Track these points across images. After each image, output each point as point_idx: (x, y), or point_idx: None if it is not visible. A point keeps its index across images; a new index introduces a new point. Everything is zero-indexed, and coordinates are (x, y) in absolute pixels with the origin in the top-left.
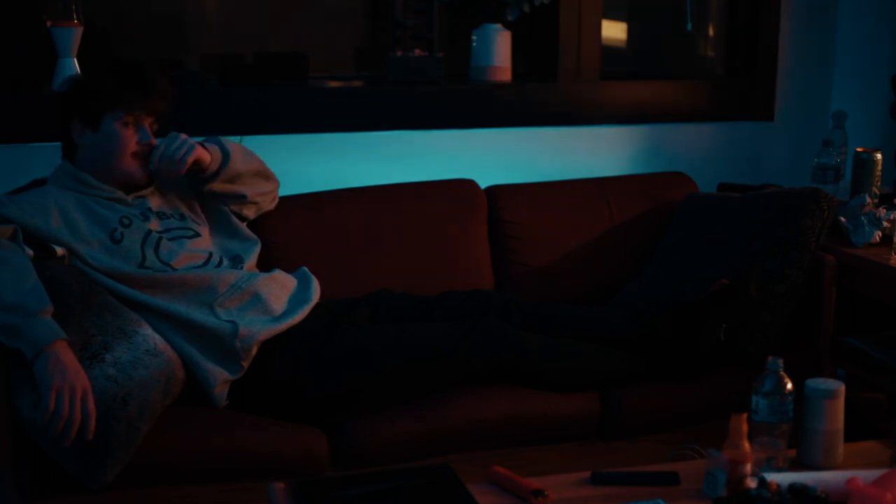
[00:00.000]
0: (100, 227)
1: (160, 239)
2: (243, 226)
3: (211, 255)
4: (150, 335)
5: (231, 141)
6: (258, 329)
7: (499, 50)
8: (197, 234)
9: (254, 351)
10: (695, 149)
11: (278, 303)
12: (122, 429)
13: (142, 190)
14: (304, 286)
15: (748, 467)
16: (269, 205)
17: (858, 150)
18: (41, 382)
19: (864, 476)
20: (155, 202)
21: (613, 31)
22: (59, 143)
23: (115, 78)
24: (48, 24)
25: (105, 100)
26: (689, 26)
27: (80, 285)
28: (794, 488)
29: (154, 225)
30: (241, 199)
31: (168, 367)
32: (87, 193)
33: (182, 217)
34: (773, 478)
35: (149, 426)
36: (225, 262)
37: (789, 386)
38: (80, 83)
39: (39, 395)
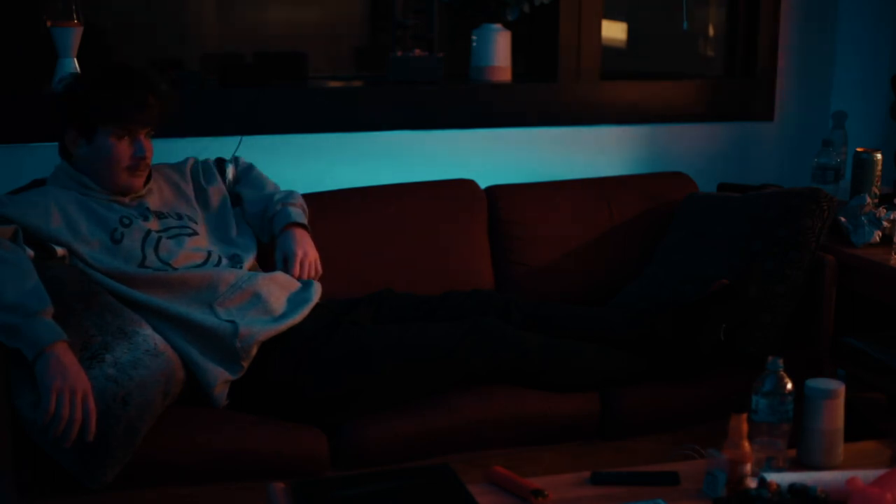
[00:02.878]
0: (100, 227)
1: (160, 238)
2: (243, 228)
3: (210, 254)
4: (150, 335)
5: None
6: (258, 329)
7: (499, 50)
8: (195, 233)
9: (254, 351)
10: (695, 149)
11: (278, 303)
12: (122, 429)
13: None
14: (304, 286)
15: (748, 467)
16: None
17: (858, 150)
18: (42, 384)
19: (864, 476)
20: (153, 202)
21: (613, 31)
22: (57, 144)
23: (110, 90)
24: (48, 24)
25: (98, 114)
26: (686, 25)
27: (80, 285)
28: (794, 488)
29: (153, 224)
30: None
31: (168, 367)
32: (87, 195)
33: (179, 216)
34: (773, 478)
35: (149, 426)
36: (224, 261)
37: (789, 386)
38: (75, 92)
39: (40, 395)
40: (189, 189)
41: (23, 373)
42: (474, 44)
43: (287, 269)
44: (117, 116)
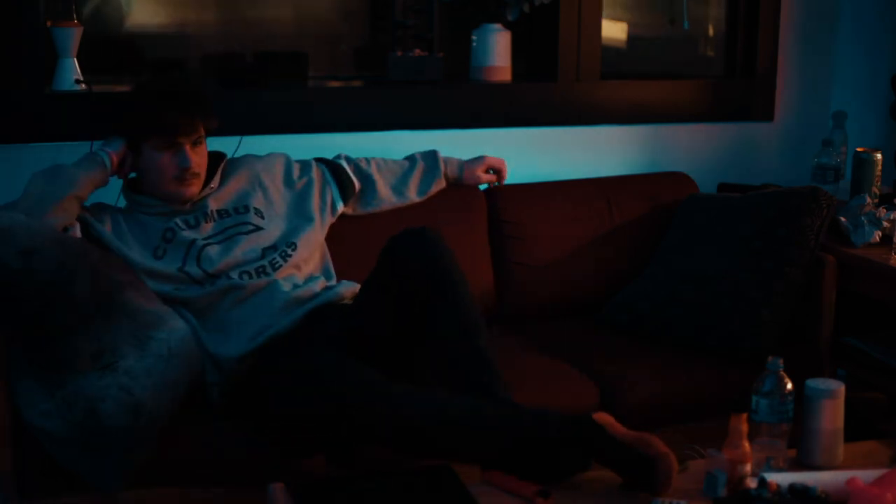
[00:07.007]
0: (143, 245)
1: (205, 246)
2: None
3: (264, 253)
4: (165, 339)
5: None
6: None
7: (499, 50)
8: (256, 229)
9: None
10: (695, 149)
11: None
12: (136, 437)
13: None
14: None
15: (748, 467)
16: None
17: (858, 150)
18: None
19: (864, 476)
20: (216, 202)
21: (613, 31)
22: (57, 144)
23: (148, 105)
24: (48, 24)
25: (139, 129)
26: (686, 25)
27: (97, 286)
28: (794, 488)
29: (205, 229)
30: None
31: (179, 373)
32: (139, 210)
33: (245, 210)
34: (773, 478)
35: (160, 427)
36: (278, 259)
37: (789, 386)
38: (120, 110)
39: (53, 404)
40: (270, 178)
41: (34, 382)
42: (474, 44)
43: (501, 178)
44: (156, 130)
